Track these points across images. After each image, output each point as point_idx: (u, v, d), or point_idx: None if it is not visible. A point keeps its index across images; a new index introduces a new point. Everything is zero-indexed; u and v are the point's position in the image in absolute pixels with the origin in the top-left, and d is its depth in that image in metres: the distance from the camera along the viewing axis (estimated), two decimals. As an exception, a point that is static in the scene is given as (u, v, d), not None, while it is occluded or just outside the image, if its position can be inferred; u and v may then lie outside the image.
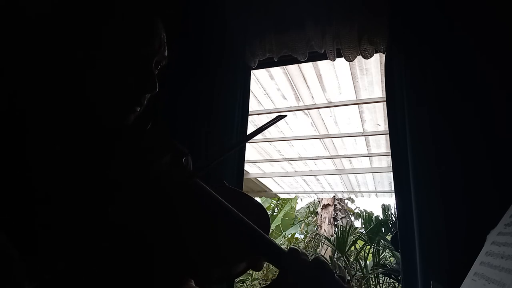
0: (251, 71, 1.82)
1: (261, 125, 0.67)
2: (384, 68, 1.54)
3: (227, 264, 0.54)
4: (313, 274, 0.53)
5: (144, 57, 0.61)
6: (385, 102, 1.60)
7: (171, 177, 0.60)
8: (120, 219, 0.53)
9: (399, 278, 4.47)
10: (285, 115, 0.75)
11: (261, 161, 4.91)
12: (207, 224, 0.58)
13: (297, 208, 10.43)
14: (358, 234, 6.66)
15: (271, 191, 6.44)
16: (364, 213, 7.79)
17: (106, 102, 0.59)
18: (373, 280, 5.53)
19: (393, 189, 1.42)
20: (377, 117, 3.34)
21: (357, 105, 3.11)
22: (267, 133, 3.91)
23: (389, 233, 5.79)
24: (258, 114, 3.28)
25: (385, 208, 6.19)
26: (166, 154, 0.61)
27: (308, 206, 10.27)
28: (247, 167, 5.23)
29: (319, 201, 9.44)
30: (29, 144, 0.53)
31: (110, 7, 0.59)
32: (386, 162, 4.60)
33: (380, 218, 6.31)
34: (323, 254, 6.94)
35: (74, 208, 0.52)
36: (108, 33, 0.58)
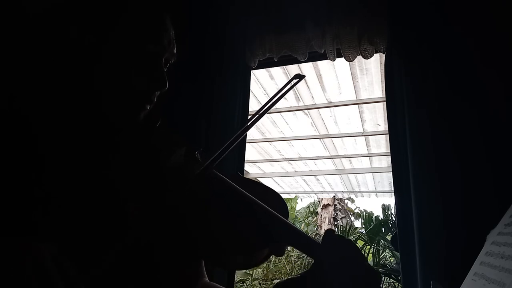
0: (251, 71, 1.82)
1: (280, 89, 0.66)
2: (384, 68, 1.54)
3: (250, 251, 0.54)
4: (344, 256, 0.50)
5: (153, 55, 0.61)
6: (385, 102, 1.60)
7: (188, 168, 0.60)
8: (138, 217, 0.53)
9: (399, 278, 4.47)
10: (304, 76, 0.75)
11: (261, 161, 4.92)
12: (227, 213, 0.58)
13: (297, 208, 10.43)
14: (358, 234, 6.67)
15: (271, 191, 6.43)
16: (364, 213, 7.80)
17: (117, 100, 0.59)
18: (373, 280, 5.51)
19: (393, 189, 1.41)
20: (377, 117, 3.34)
21: (357, 105, 3.11)
22: (267, 133, 3.90)
23: (389, 233, 5.79)
24: (258, 114, 3.27)
25: (385, 208, 6.19)
26: (181, 146, 0.61)
27: (308, 206, 10.27)
28: (247, 167, 5.23)
29: (319, 201, 9.44)
30: (37, 143, 0.52)
31: (120, 5, 0.59)
32: (386, 162, 4.60)
33: (380, 218, 6.31)
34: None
35: (85, 209, 0.51)
36: (118, 30, 0.58)
